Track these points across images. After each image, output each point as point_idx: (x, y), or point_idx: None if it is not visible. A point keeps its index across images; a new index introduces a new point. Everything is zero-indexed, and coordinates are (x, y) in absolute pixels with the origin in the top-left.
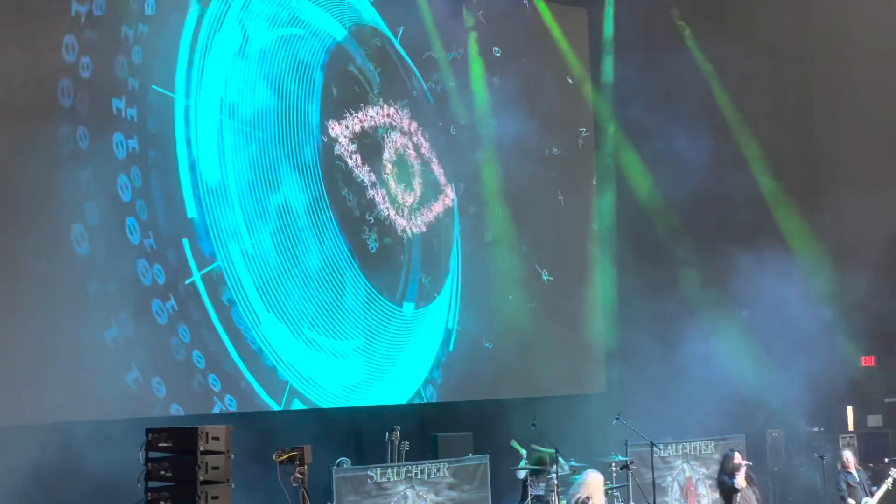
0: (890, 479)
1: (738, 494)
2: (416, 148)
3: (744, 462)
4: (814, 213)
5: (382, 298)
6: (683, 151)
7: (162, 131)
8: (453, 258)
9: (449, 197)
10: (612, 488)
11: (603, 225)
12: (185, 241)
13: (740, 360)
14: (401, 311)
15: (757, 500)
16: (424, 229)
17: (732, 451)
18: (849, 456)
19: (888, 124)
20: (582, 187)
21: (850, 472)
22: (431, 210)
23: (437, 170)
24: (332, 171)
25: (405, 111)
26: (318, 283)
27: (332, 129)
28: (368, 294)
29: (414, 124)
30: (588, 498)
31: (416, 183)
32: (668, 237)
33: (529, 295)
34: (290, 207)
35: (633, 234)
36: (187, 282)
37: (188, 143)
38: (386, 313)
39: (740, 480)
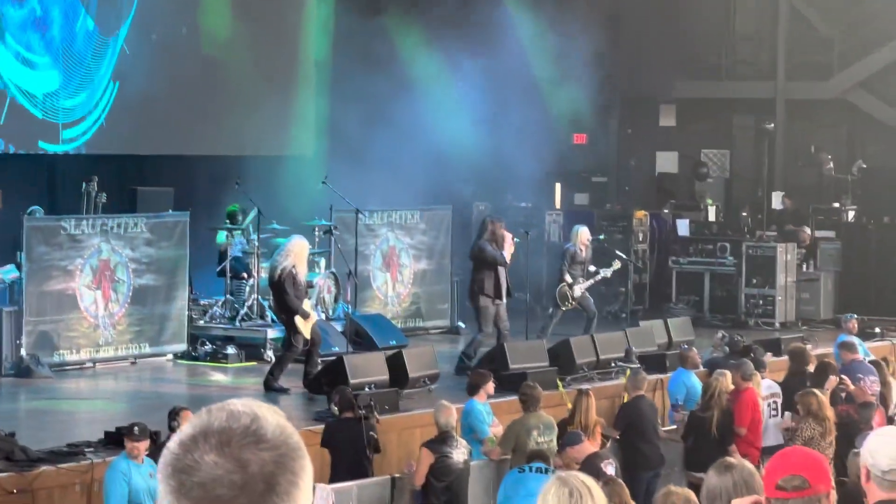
0: (610, 270)
1: (505, 269)
2: None
3: (510, 235)
4: None
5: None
6: None
7: None
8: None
9: None
10: (315, 254)
11: None
12: None
13: (452, 130)
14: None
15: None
16: None
17: (500, 220)
18: (585, 233)
19: None
20: None
21: (581, 250)
22: None
23: None
24: None
25: None
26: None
27: None
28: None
29: None
30: (293, 267)
31: None
32: None
33: (232, 45)
34: None
35: None
36: None
37: None
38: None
39: (509, 252)
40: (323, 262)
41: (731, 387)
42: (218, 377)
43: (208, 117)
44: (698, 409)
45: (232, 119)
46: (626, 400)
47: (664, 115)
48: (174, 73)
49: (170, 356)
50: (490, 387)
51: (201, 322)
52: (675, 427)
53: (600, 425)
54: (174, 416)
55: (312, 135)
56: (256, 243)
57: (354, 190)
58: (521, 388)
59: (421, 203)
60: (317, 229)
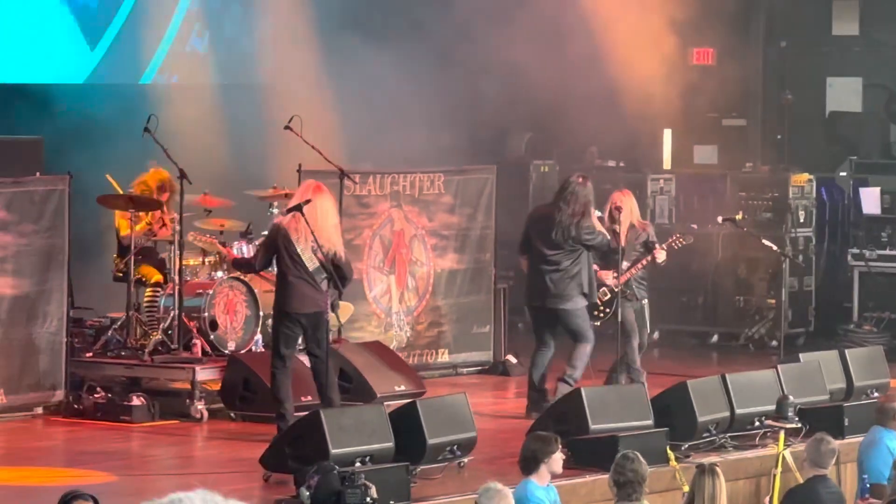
0: (665, 246)
1: None
2: None
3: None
4: None
5: None
6: None
7: None
8: None
9: None
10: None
11: None
12: None
13: (499, 45)
14: None
15: None
16: None
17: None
18: (621, 202)
19: None
20: None
21: (617, 220)
22: None
23: None
24: None
25: None
26: None
27: None
28: None
29: None
30: None
31: None
32: None
33: None
34: None
35: None
36: None
37: None
38: None
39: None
40: None
41: None
42: (119, 445)
43: None
44: None
45: None
46: (776, 480)
47: (841, 16)
48: None
49: (39, 410)
50: (556, 461)
51: (88, 354)
52: None
53: None
54: None
55: None
56: (178, 227)
57: (337, 139)
58: (618, 463)
59: (447, 161)
60: (275, 204)
